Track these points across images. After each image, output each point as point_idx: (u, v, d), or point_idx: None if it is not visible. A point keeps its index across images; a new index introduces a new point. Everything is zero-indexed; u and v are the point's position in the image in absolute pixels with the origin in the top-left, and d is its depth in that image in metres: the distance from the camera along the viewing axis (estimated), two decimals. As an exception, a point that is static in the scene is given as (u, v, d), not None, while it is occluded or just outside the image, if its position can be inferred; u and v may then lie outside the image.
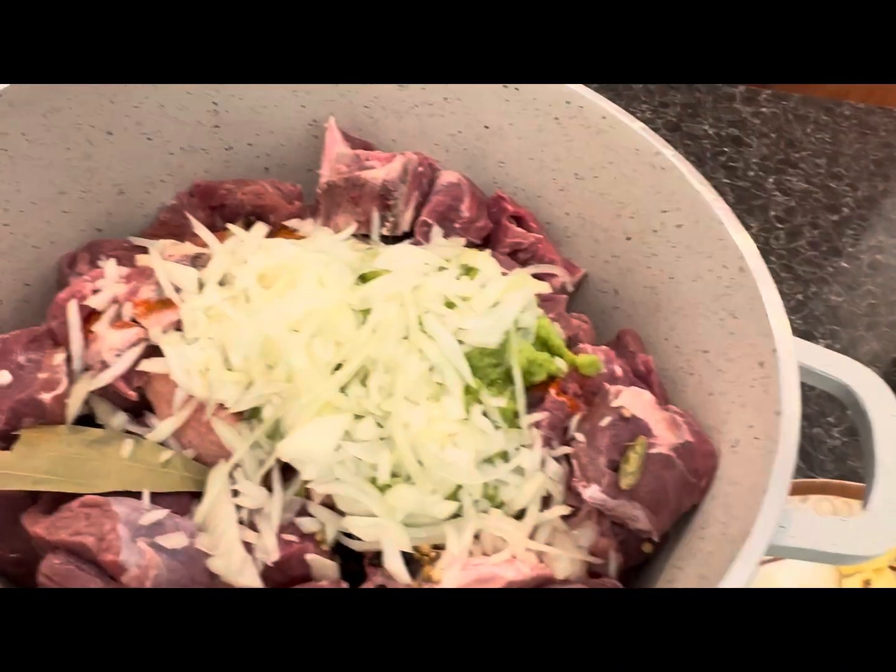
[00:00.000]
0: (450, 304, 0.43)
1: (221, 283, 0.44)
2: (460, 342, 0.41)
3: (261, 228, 0.48)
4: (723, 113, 0.90)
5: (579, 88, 0.52)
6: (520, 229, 0.54)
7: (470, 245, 0.52)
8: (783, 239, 0.78)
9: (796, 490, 0.54)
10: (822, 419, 0.64)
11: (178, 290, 0.44)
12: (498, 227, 0.55)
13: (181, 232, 0.53)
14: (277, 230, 0.53)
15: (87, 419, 0.43)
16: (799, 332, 0.69)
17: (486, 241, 0.55)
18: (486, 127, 0.57)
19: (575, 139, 0.54)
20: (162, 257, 0.46)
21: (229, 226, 0.47)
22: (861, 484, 0.54)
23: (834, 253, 0.77)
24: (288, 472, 0.40)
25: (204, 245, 0.48)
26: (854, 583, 0.52)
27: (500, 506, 0.40)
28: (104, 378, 0.41)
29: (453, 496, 0.39)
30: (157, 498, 0.39)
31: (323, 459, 0.37)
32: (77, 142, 0.49)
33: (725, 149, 0.86)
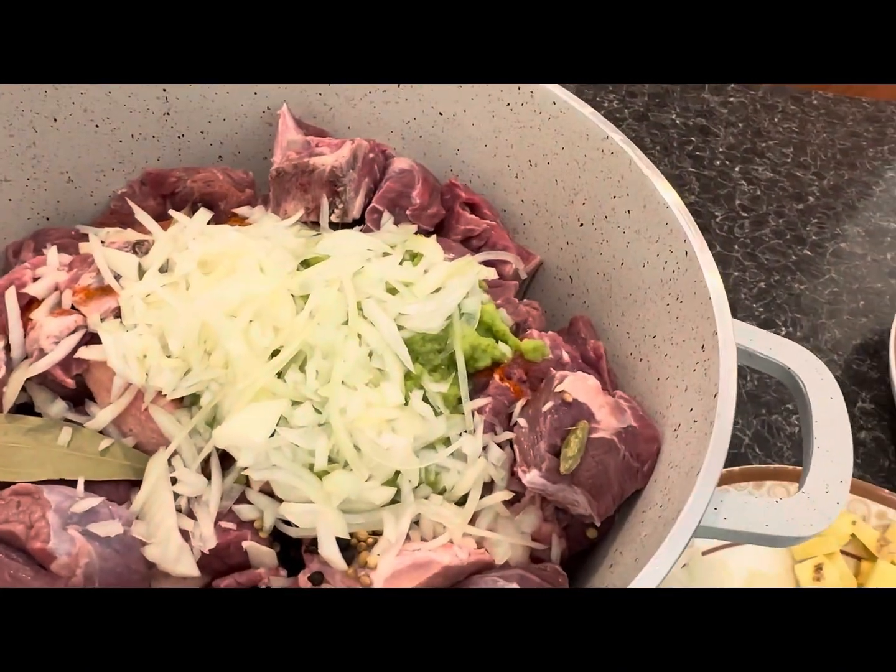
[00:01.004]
0: (392, 290, 0.43)
1: (163, 270, 0.44)
2: (401, 328, 0.41)
3: (203, 214, 0.47)
4: (690, 102, 0.90)
5: (530, 74, 0.52)
6: (472, 216, 0.54)
7: (421, 232, 0.52)
8: (748, 227, 0.78)
9: (751, 476, 0.54)
10: (781, 406, 0.64)
11: (118, 277, 0.43)
12: (451, 214, 0.54)
13: (132, 220, 0.52)
14: (228, 218, 0.53)
15: (26, 407, 0.43)
16: (761, 321, 0.69)
17: (438, 229, 0.54)
18: (441, 114, 0.57)
19: (527, 125, 0.53)
20: (104, 245, 0.45)
21: (172, 212, 0.46)
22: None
23: (798, 241, 0.78)
24: (227, 459, 0.40)
25: (149, 232, 0.47)
26: (806, 568, 0.52)
27: (442, 492, 0.40)
28: (41, 365, 0.40)
29: (392, 482, 0.38)
30: (95, 486, 0.39)
31: (259, 446, 0.37)
32: (20, 128, 0.49)
33: (692, 138, 0.86)
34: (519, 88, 0.53)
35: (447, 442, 0.41)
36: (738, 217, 0.79)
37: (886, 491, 0.54)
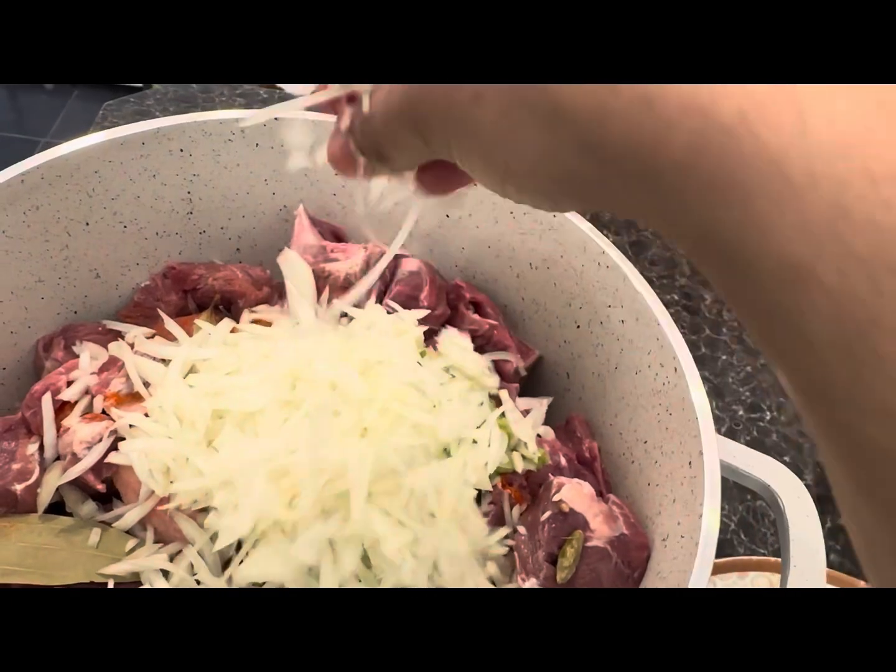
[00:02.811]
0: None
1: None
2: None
3: (227, 324, 0.50)
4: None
5: (532, 187, 0.56)
6: (476, 316, 0.58)
7: (429, 332, 0.55)
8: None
9: (735, 567, 0.57)
10: (766, 492, 0.67)
11: (146, 384, 0.46)
12: (455, 314, 0.58)
13: (154, 314, 0.56)
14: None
15: (57, 506, 0.46)
16: (747, 404, 0.73)
17: (443, 327, 0.58)
18: (447, 216, 0.60)
19: (528, 233, 0.57)
20: (133, 350, 0.48)
21: (197, 322, 0.50)
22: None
23: (783, 324, 0.81)
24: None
25: (173, 336, 0.50)
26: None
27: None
28: (75, 471, 0.43)
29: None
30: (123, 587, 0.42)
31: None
32: (56, 234, 0.52)
33: (684, 219, 0.90)
34: (521, 199, 0.56)
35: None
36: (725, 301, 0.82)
37: (863, 582, 0.57)
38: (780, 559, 0.58)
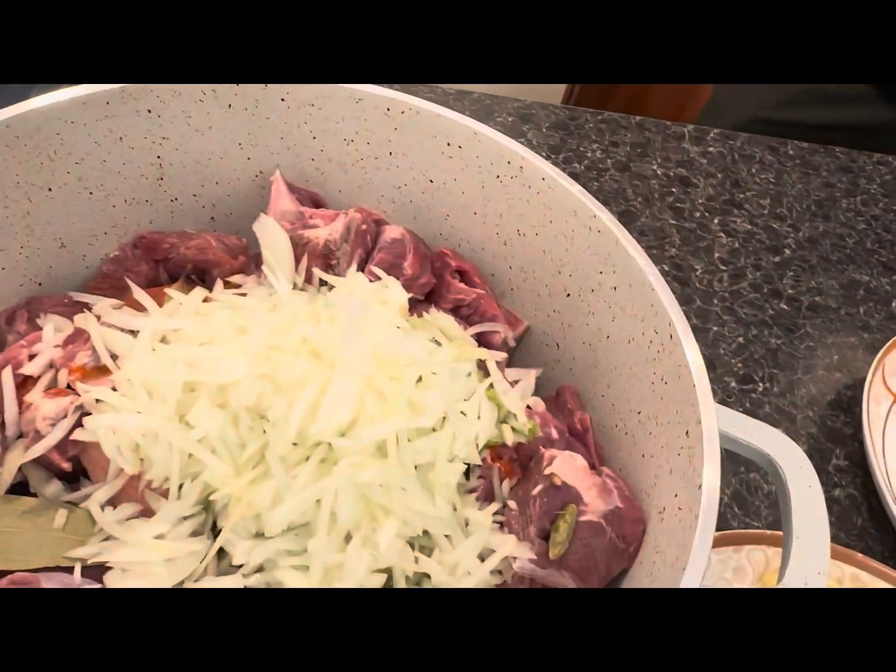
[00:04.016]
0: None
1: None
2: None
3: (199, 293, 0.48)
4: (671, 152, 0.92)
5: (520, 149, 0.53)
6: (462, 285, 0.55)
7: (413, 300, 0.53)
8: (726, 281, 0.80)
9: (731, 541, 0.56)
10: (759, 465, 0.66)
11: (114, 357, 0.44)
12: (441, 283, 0.56)
13: (124, 285, 0.53)
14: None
15: (20, 486, 0.43)
16: (739, 376, 0.71)
17: (428, 296, 0.56)
18: (431, 181, 0.58)
19: (516, 197, 0.55)
20: (100, 321, 0.46)
21: (168, 291, 0.47)
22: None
23: (774, 295, 0.80)
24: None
25: (142, 307, 0.48)
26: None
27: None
28: (38, 449, 0.41)
29: (385, 570, 0.39)
30: (91, 570, 0.40)
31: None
32: (16, 199, 0.49)
33: (673, 189, 0.88)
34: (508, 162, 0.54)
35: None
36: (717, 270, 0.81)
37: (860, 555, 0.56)
38: (775, 532, 0.56)
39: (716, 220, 0.86)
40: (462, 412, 0.43)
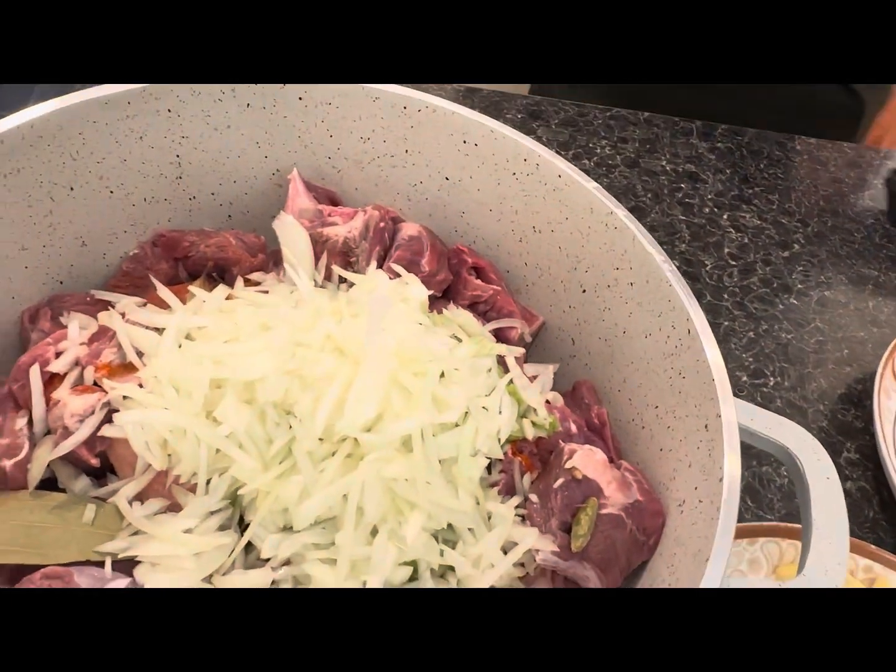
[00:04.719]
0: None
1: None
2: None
3: (221, 291, 0.48)
4: (680, 148, 0.92)
5: (536, 147, 0.54)
6: (479, 282, 0.56)
7: (430, 297, 0.54)
8: (736, 276, 0.80)
9: (745, 533, 0.57)
10: (771, 458, 0.66)
11: (139, 353, 0.44)
12: (458, 279, 0.56)
13: (144, 283, 0.54)
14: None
15: (48, 482, 0.44)
16: (750, 370, 0.72)
17: (445, 293, 0.56)
18: (447, 178, 0.58)
19: (532, 194, 0.55)
20: (125, 319, 0.46)
21: (191, 288, 0.48)
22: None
23: (784, 290, 0.80)
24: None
25: (166, 304, 0.48)
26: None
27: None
28: (66, 446, 0.41)
29: (410, 562, 0.40)
30: (121, 564, 0.40)
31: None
32: (39, 199, 0.50)
33: (682, 185, 0.88)
34: (525, 160, 0.54)
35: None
36: (726, 265, 0.81)
37: (873, 546, 0.57)
38: (789, 525, 0.57)
39: (725, 216, 0.86)
40: (484, 407, 0.44)
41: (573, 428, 0.48)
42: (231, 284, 0.53)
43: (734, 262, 0.82)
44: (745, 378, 0.72)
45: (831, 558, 0.38)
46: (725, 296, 0.78)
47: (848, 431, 0.70)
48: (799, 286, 0.81)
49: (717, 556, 0.36)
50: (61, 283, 0.54)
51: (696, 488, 0.42)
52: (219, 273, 0.55)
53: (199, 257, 0.54)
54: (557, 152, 0.87)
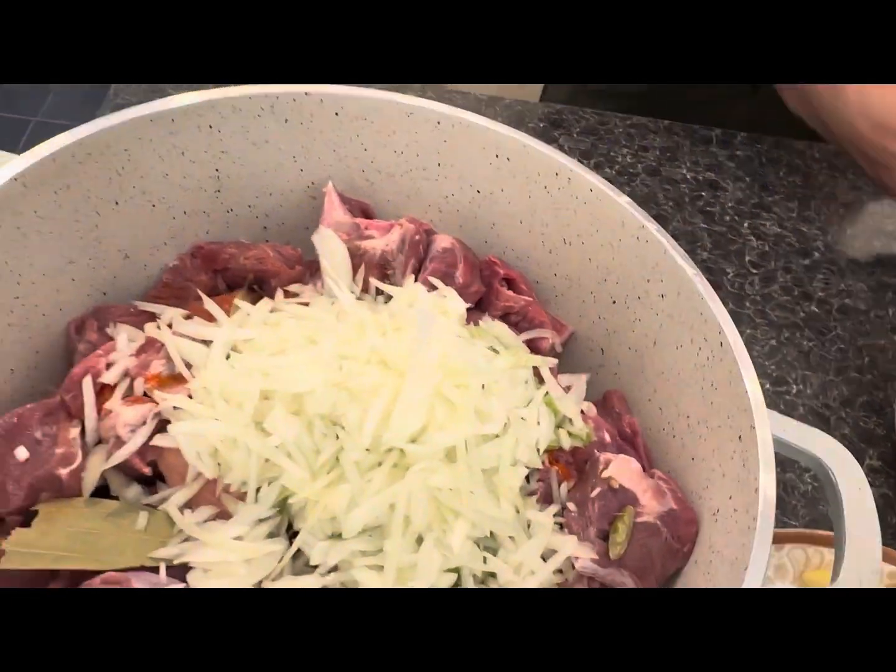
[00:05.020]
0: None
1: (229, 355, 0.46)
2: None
3: (266, 304, 0.49)
4: (700, 156, 0.93)
5: (568, 161, 0.55)
6: (510, 292, 0.57)
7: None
8: (758, 284, 0.81)
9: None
10: (795, 465, 0.67)
11: (188, 365, 0.46)
12: (490, 291, 0.57)
13: (184, 294, 0.55)
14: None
15: (100, 490, 0.45)
16: (773, 378, 0.73)
17: (478, 304, 0.57)
18: (478, 191, 0.59)
19: (562, 207, 0.56)
20: (172, 330, 0.48)
21: (237, 302, 0.49)
22: (829, 532, 0.57)
23: (805, 297, 0.81)
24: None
25: (209, 315, 0.50)
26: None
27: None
28: (120, 455, 0.43)
29: (454, 569, 0.41)
30: (174, 569, 0.42)
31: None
32: (86, 213, 0.51)
33: (703, 193, 0.89)
34: (556, 174, 0.55)
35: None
36: (748, 274, 0.82)
37: (897, 553, 0.58)
38: (814, 531, 0.58)
39: (745, 224, 0.87)
40: (522, 418, 0.45)
41: (606, 437, 0.49)
42: (270, 296, 0.54)
43: (755, 271, 0.83)
44: (767, 385, 0.73)
45: (865, 567, 0.39)
46: (747, 304, 0.79)
47: (870, 439, 0.70)
48: (820, 294, 0.82)
49: (755, 564, 0.37)
50: (105, 294, 0.55)
51: (730, 497, 0.43)
52: (258, 284, 0.56)
53: (238, 269, 0.56)
54: (580, 161, 0.88)
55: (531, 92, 1.10)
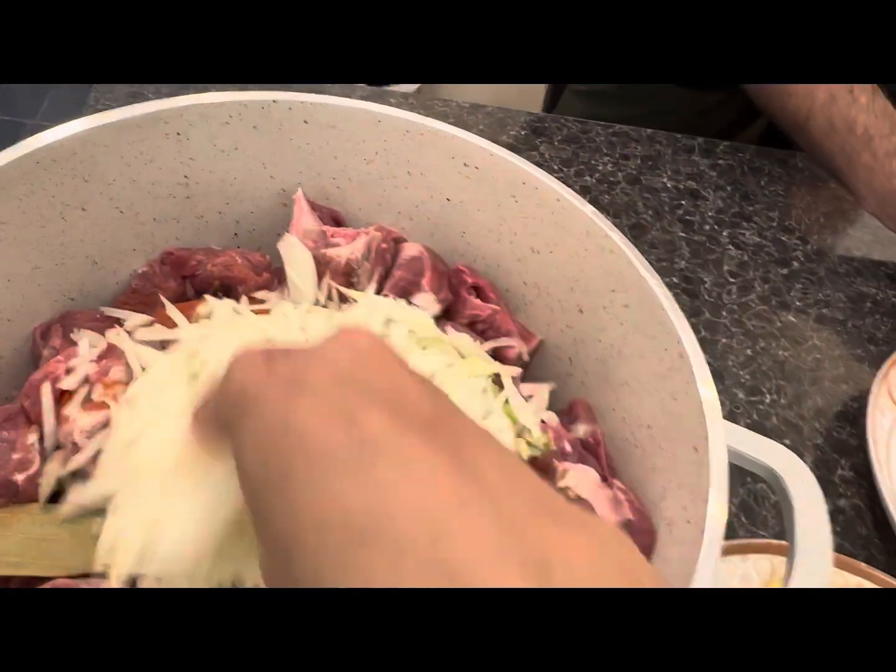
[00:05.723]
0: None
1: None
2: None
3: (227, 307, 0.50)
4: (681, 165, 0.93)
5: (535, 171, 0.55)
6: (477, 301, 0.57)
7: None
8: (735, 293, 0.81)
9: (737, 550, 0.58)
10: (766, 475, 0.67)
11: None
12: (457, 299, 0.57)
13: (152, 301, 0.55)
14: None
15: (58, 495, 0.45)
16: (747, 387, 0.73)
17: (445, 313, 0.57)
18: (448, 200, 0.60)
19: (530, 217, 0.57)
20: (131, 336, 0.48)
21: (199, 309, 0.49)
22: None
23: (782, 307, 0.81)
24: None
25: (174, 323, 0.50)
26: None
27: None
28: (76, 461, 0.43)
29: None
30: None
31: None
32: (51, 219, 0.51)
33: (683, 202, 0.89)
34: (524, 183, 0.56)
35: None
36: (726, 283, 0.82)
37: (864, 564, 0.58)
38: (781, 542, 0.58)
39: (725, 233, 0.87)
40: (480, 428, 0.45)
41: (568, 447, 0.49)
42: (237, 301, 0.55)
43: (733, 280, 0.83)
44: (741, 395, 0.73)
45: (815, 578, 0.39)
46: (724, 313, 0.79)
47: (843, 449, 0.70)
48: (797, 303, 0.82)
49: (701, 576, 0.37)
50: (72, 300, 0.55)
51: (684, 508, 0.43)
52: (224, 291, 0.56)
53: (206, 275, 0.56)
54: (560, 169, 0.89)
55: (534, 101, 1.11)
